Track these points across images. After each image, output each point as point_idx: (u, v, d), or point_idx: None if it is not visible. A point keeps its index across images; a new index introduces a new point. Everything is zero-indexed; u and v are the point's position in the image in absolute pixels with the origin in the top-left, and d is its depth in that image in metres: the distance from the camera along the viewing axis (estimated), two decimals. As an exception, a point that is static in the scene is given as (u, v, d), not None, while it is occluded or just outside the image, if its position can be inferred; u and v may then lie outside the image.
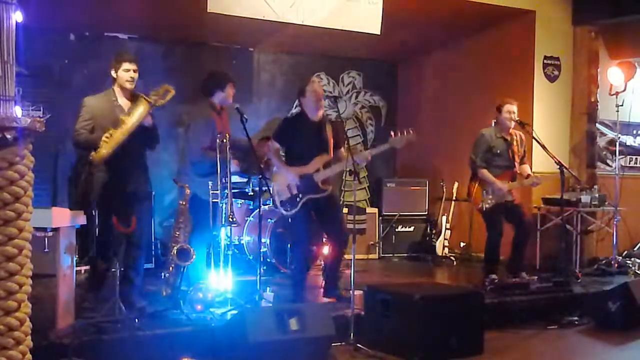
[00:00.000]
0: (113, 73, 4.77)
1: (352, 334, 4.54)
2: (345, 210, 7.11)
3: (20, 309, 2.77)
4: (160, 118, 7.59)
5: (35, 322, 2.91)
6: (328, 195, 5.43)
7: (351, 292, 4.70)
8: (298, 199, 5.34)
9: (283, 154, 5.60)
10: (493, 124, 6.39)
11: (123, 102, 4.78)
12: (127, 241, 4.77)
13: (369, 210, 8.21)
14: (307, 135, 5.41)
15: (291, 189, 5.37)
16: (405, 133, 5.23)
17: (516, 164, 6.29)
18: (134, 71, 4.77)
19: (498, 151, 6.23)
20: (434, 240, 8.08)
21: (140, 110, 4.60)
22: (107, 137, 4.50)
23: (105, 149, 4.50)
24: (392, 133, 5.31)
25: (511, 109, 6.21)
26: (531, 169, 6.54)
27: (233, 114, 5.20)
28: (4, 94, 2.78)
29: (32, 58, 6.44)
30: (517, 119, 6.21)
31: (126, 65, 4.74)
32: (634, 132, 8.26)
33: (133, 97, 4.80)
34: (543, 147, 6.10)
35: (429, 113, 8.76)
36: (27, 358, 2.81)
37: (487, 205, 6.16)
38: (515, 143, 6.29)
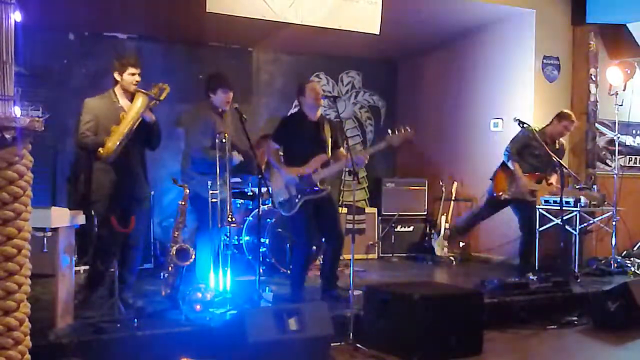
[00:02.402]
0: (117, 76, 4.81)
1: (351, 334, 4.54)
2: (344, 210, 7.11)
3: (20, 309, 2.77)
4: (160, 118, 7.59)
5: (34, 322, 2.92)
6: (325, 195, 5.42)
7: (350, 292, 4.70)
8: (297, 200, 5.34)
9: (282, 154, 5.60)
10: (547, 124, 6.46)
11: (124, 103, 4.80)
12: (124, 242, 4.78)
13: (368, 210, 8.20)
14: (305, 135, 5.40)
15: (290, 189, 5.37)
16: (402, 131, 5.23)
17: (549, 169, 6.36)
18: (138, 74, 4.83)
19: (537, 152, 6.29)
20: (433, 240, 8.08)
21: (139, 102, 4.66)
22: (111, 132, 4.55)
23: (111, 142, 4.54)
24: (390, 131, 5.32)
25: (571, 127, 6.35)
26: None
27: (234, 114, 5.21)
28: (3, 93, 2.78)
29: (31, 58, 6.44)
30: (515, 117, 6.25)
31: (132, 70, 4.81)
32: (634, 132, 8.26)
33: (133, 96, 4.83)
34: (543, 146, 6.11)
35: (428, 113, 8.75)
36: (26, 358, 2.81)
37: (505, 197, 6.25)
38: (556, 149, 6.34)
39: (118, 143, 4.55)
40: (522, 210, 6.35)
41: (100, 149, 4.52)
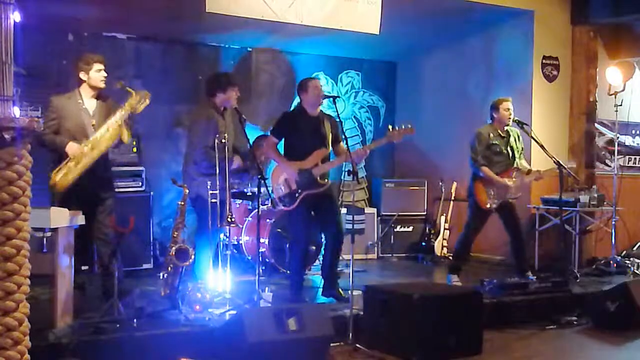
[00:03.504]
0: (83, 75, 4.82)
1: (350, 334, 4.55)
2: (344, 210, 7.11)
3: (19, 309, 2.77)
4: (160, 118, 7.58)
5: (34, 322, 2.91)
6: (326, 191, 5.42)
7: (350, 292, 4.70)
8: (297, 194, 5.33)
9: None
10: (488, 123, 6.36)
11: (89, 103, 4.82)
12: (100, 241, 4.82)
13: (368, 210, 8.20)
14: (306, 129, 5.40)
15: (290, 184, 5.37)
16: (403, 127, 5.23)
17: (516, 160, 6.29)
18: (105, 70, 4.84)
19: (498, 149, 6.21)
20: (432, 240, 8.08)
21: (117, 138, 4.70)
22: (74, 161, 4.58)
23: (71, 174, 4.57)
24: (390, 127, 5.32)
25: (508, 105, 6.20)
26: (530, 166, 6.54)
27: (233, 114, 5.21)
28: (2, 94, 2.78)
29: (30, 58, 6.42)
30: (515, 117, 6.21)
31: (98, 66, 4.81)
32: (633, 132, 8.27)
33: (100, 97, 4.88)
34: (542, 147, 6.11)
35: (427, 113, 8.75)
36: (25, 358, 2.81)
37: (494, 205, 6.14)
38: (512, 138, 6.28)
39: (74, 179, 4.58)
40: (504, 210, 6.28)
41: (56, 179, 4.56)
